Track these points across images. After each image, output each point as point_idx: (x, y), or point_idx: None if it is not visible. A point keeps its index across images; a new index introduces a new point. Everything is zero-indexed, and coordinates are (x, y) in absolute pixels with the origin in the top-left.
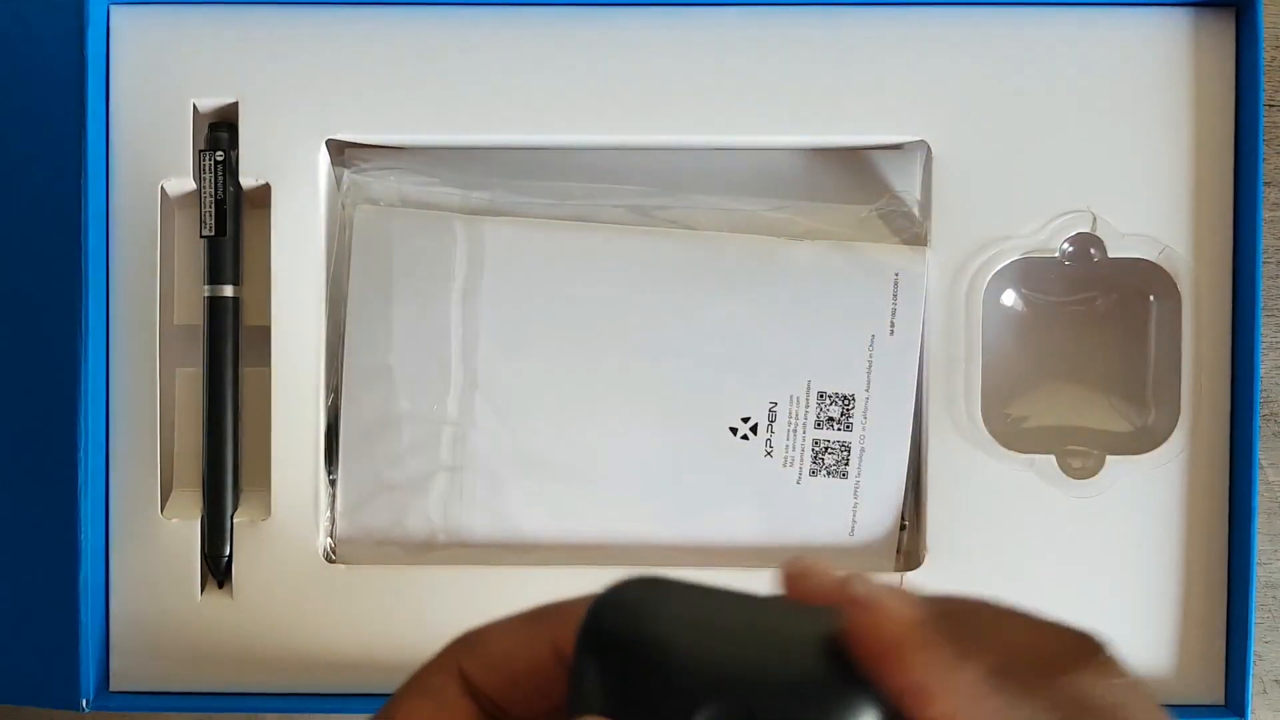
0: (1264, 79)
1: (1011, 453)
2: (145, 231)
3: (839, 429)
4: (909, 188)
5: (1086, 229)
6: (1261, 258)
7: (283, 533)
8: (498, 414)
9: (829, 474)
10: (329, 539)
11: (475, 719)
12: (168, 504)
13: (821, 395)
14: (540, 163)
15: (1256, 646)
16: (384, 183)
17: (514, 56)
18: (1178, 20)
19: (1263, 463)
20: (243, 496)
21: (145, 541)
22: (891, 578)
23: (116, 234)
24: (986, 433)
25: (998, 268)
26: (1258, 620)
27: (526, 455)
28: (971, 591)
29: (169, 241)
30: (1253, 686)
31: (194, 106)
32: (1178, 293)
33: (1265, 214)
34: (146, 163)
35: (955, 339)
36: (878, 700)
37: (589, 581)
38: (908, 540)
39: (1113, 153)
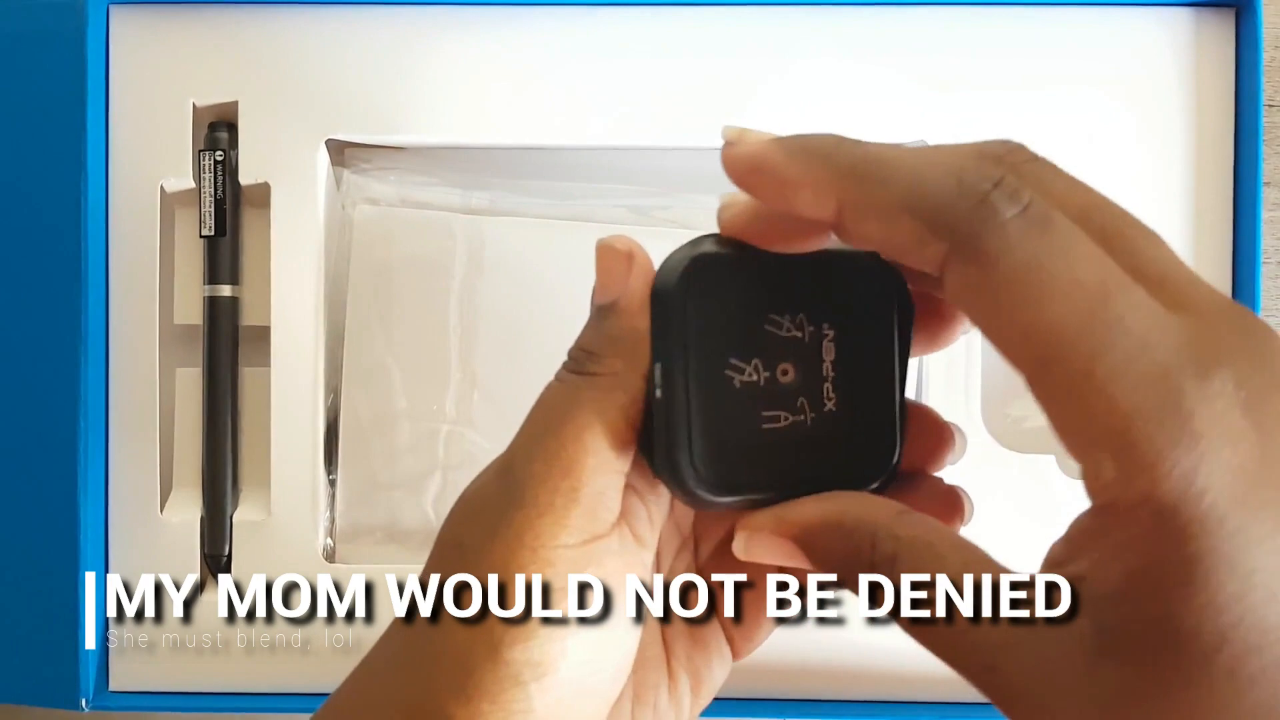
0: (1264, 79)
1: (1011, 453)
2: (145, 231)
3: None
4: None
5: None
6: (1261, 258)
7: (283, 533)
8: (497, 413)
9: None
10: (329, 539)
11: None
12: (168, 504)
13: None
14: (540, 163)
15: None
16: (384, 183)
17: (514, 57)
18: (1177, 20)
19: None
20: (243, 496)
21: (145, 541)
22: None
23: (116, 234)
24: (986, 433)
25: None
26: None
27: None
28: None
29: (169, 241)
30: None
31: (194, 106)
32: None
33: (1265, 214)
34: (146, 162)
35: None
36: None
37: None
38: None
39: (1113, 152)
